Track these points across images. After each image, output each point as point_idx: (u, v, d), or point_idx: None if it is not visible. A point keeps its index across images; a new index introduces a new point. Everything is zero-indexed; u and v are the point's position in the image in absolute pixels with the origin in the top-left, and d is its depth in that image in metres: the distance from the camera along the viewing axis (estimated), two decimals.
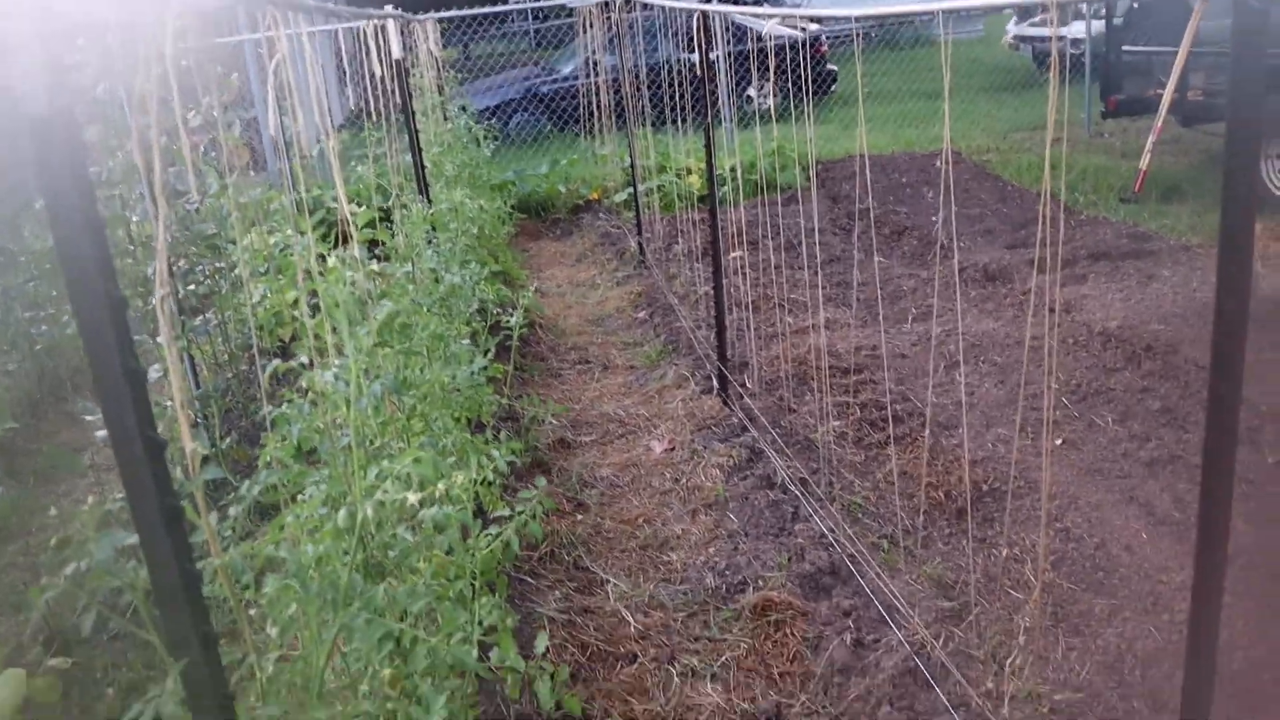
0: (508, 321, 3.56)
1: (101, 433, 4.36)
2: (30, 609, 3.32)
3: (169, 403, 4.99)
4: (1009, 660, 3.13)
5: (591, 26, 8.87)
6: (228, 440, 4.90)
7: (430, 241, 4.03)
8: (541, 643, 2.08)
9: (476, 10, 11.09)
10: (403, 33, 5.11)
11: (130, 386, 1.11)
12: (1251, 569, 3.57)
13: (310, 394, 2.06)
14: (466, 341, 3.38)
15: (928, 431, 4.47)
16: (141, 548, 1.17)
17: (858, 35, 3.38)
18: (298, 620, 1.50)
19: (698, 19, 4.58)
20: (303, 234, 2.73)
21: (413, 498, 1.47)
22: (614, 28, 7.91)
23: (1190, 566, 3.69)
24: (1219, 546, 1.69)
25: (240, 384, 5.54)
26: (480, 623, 1.86)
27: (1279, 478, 4.12)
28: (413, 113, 4.76)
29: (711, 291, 6.66)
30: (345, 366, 1.70)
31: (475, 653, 1.67)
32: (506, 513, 2.06)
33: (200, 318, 5.31)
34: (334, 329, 2.38)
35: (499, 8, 14.61)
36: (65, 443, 5.76)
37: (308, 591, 1.43)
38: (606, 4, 7.67)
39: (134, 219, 4.81)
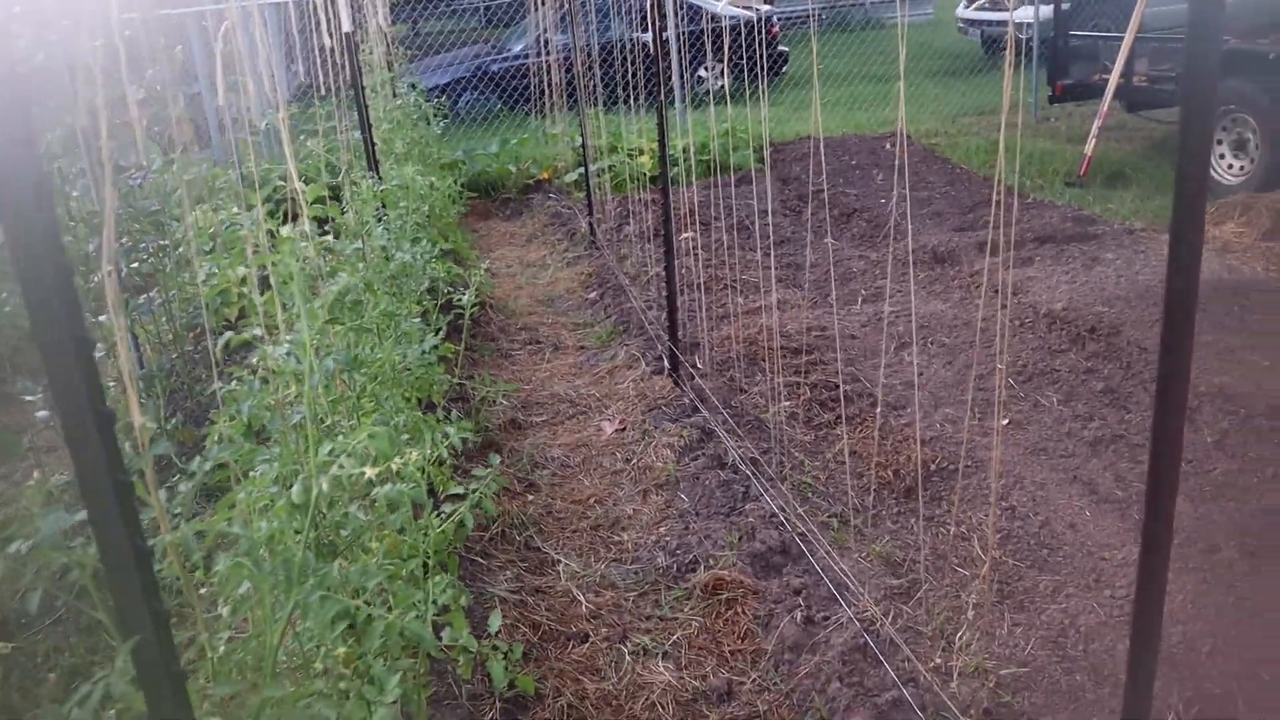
0: (459, 300, 3.53)
1: (43, 413, 4.27)
2: None
3: (113, 383, 4.90)
4: (958, 636, 3.17)
5: (544, 4, 8.80)
6: (173, 420, 4.82)
7: (380, 219, 3.98)
8: (495, 622, 2.07)
9: None
10: (353, 6, 5.03)
11: (78, 357, 1.08)
12: (1189, 545, 3.66)
13: (260, 371, 2.03)
14: (418, 320, 3.34)
15: (879, 411, 4.51)
16: (91, 524, 1.15)
17: (814, 16, 3.38)
18: (249, 599, 1.48)
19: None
20: (251, 208, 2.69)
21: (370, 472, 1.46)
22: (566, 5, 7.85)
23: (1131, 544, 3.78)
24: (1165, 524, 1.72)
25: (185, 364, 5.45)
26: (434, 602, 1.85)
27: (1217, 456, 4.21)
28: (363, 88, 4.69)
29: (663, 272, 6.67)
30: (298, 342, 1.67)
31: (430, 631, 1.65)
32: (460, 491, 2.05)
33: (144, 296, 5.21)
34: (284, 306, 2.34)
35: None
36: (4, 424, 5.62)
37: (261, 569, 1.40)
38: None
39: (74, 194, 4.70)
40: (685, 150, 9.47)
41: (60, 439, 4.51)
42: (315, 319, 1.63)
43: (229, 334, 1.85)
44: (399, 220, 4.05)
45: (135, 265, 5.20)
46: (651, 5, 4.58)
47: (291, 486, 1.49)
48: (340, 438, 1.57)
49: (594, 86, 7.79)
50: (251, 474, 1.70)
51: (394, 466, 1.49)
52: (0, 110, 1.00)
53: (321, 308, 1.62)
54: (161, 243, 5.36)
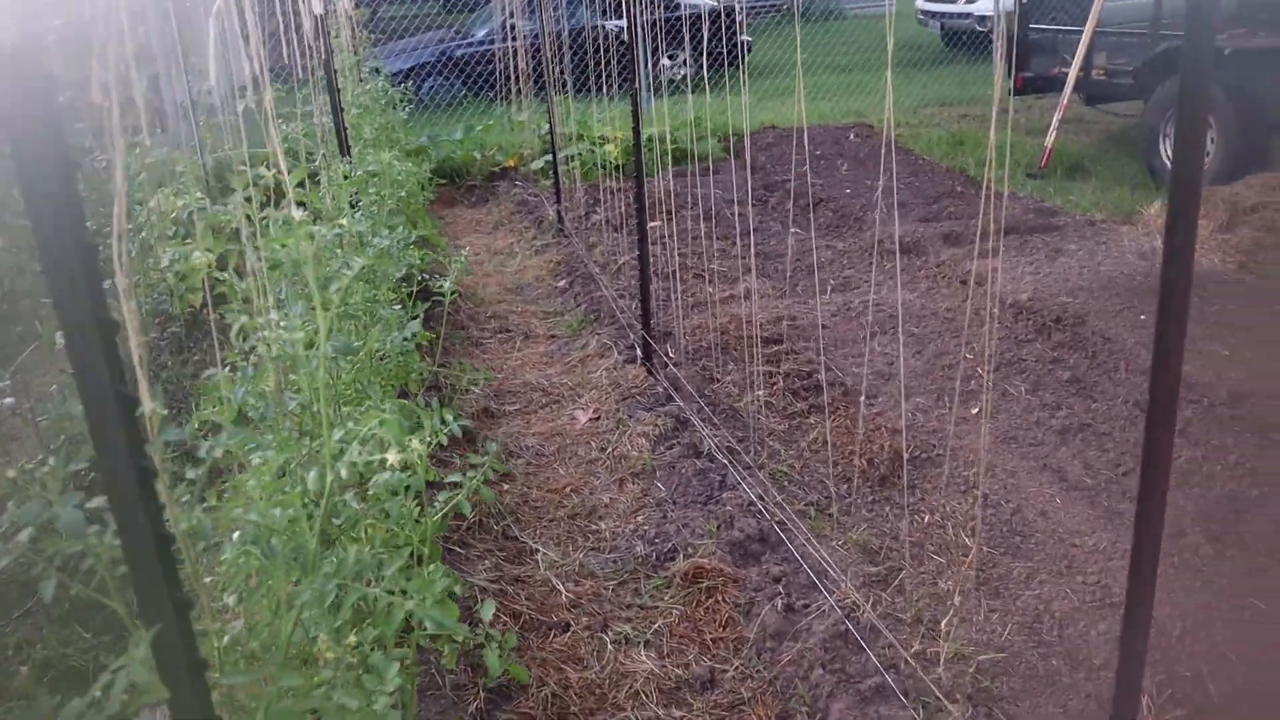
0: (438, 287, 3.50)
1: (9, 400, 4.19)
2: None
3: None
4: (945, 622, 3.21)
5: None
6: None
7: (355, 204, 3.94)
8: (488, 611, 2.07)
9: None
10: None
11: (102, 337, 1.06)
12: None
13: (253, 357, 2.00)
14: (398, 307, 3.32)
15: (863, 400, 4.55)
16: (112, 511, 1.13)
17: (798, 5, 3.39)
18: (259, 587, 1.46)
19: None
20: (233, 190, 2.65)
21: (393, 458, 1.45)
22: None
23: (1101, 530, 3.84)
24: (1157, 516, 1.76)
25: (150, 351, 5.37)
26: (430, 590, 1.84)
27: (1180, 444, 4.29)
28: (335, 72, 4.63)
29: (634, 260, 6.66)
30: (309, 326, 1.66)
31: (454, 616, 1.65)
32: (457, 479, 2.04)
33: (108, 282, 5.11)
34: (266, 290, 2.31)
35: None
36: None
37: (273, 557, 1.39)
38: None
39: None
40: (651, 139, 9.46)
41: (25, 426, 4.43)
42: (330, 304, 1.61)
43: (243, 319, 1.82)
44: (374, 206, 4.01)
45: (100, 249, 5.12)
46: None
47: (294, 474, 1.47)
48: (350, 424, 1.56)
49: (563, 74, 7.75)
50: (252, 461, 1.68)
51: (406, 454, 1.48)
52: (23, 85, 0.98)
53: (337, 292, 1.60)
54: (109, 228, 5.27)
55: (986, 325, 5.33)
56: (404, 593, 1.58)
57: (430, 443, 1.78)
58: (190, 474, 1.54)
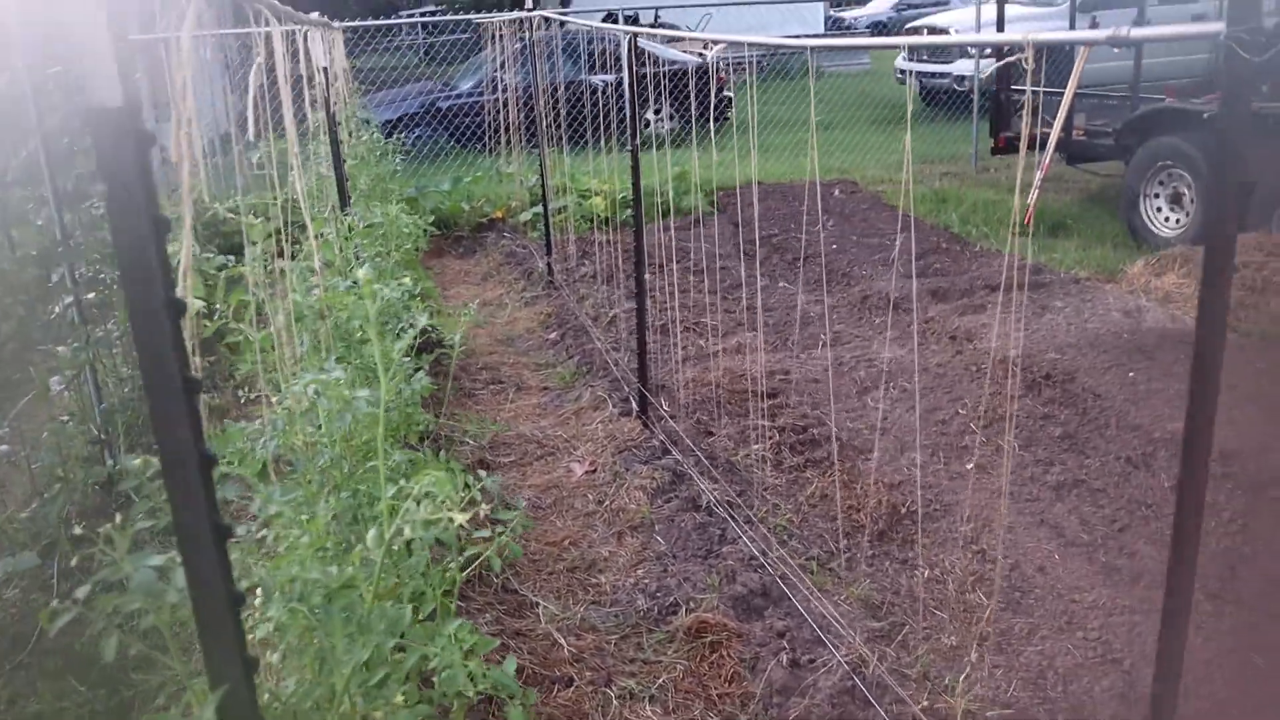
0: (450, 339, 3.51)
1: (4, 447, 4.14)
2: None
3: (65, 419, 4.77)
4: (962, 678, 3.21)
5: (501, 40, 8.84)
6: (135, 458, 4.70)
7: (358, 256, 3.96)
8: (511, 664, 2.05)
9: (369, 23, 10.98)
10: (324, 41, 5.02)
11: (187, 397, 1.07)
12: (1156, 587, 3.76)
13: (282, 409, 2.00)
14: (408, 359, 3.32)
15: (874, 457, 4.57)
16: (186, 569, 1.12)
17: (813, 56, 3.46)
18: (308, 646, 1.45)
19: (629, 41, 4.62)
20: (254, 244, 2.66)
21: (460, 518, 1.44)
22: (528, 45, 7.90)
23: (1100, 586, 3.86)
24: (1187, 586, 1.78)
25: (140, 400, 5.32)
26: (460, 645, 1.83)
27: (1174, 503, 4.32)
28: (336, 123, 4.67)
29: (625, 313, 6.70)
30: (336, 381, 1.66)
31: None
32: (486, 533, 2.03)
33: (101, 328, 5.06)
34: (283, 342, 2.31)
35: (390, 20, 14.44)
36: None
37: (329, 614, 1.38)
38: (521, 21, 7.66)
39: (38, 223, 4.59)
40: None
41: (11, 474, 4.35)
42: (391, 360, 1.62)
43: (257, 369, 1.82)
44: (379, 258, 4.03)
45: (91, 295, 5.06)
46: (629, 49, 4.64)
47: (369, 530, 1.47)
48: (402, 481, 1.56)
49: (559, 126, 7.84)
50: (280, 514, 1.67)
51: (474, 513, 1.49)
52: (126, 137, 1.00)
53: (401, 349, 1.61)
54: (113, 274, 5.24)
55: (982, 381, 5.38)
56: (460, 652, 1.57)
57: (465, 497, 1.78)
58: (241, 530, 1.53)
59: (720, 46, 3.71)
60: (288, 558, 1.44)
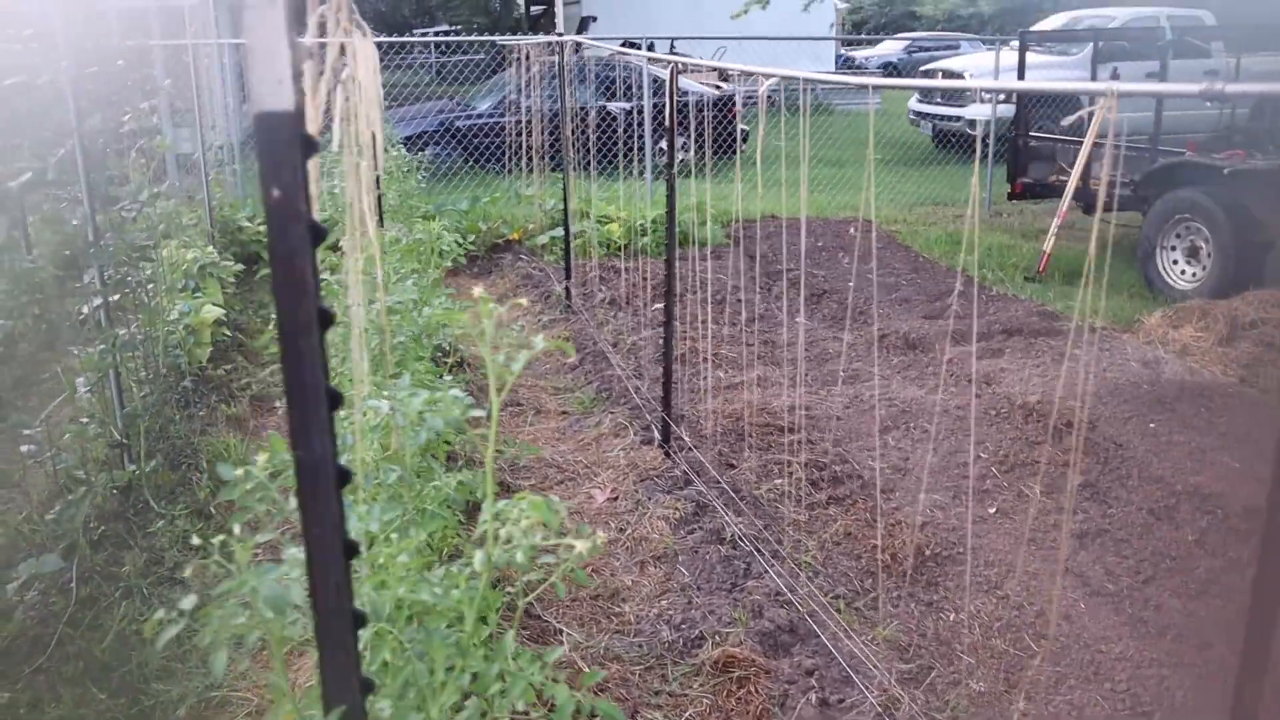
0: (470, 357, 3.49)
1: (28, 447, 4.11)
2: None
3: (85, 420, 4.73)
4: None
5: (528, 62, 8.88)
6: (153, 463, 4.68)
7: (397, 271, 3.95)
8: (563, 693, 2.02)
9: (394, 39, 11.04)
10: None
11: (328, 411, 1.05)
12: (1183, 641, 3.74)
13: (348, 422, 1.98)
14: (448, 378, 3.31)
15: (923, 499, 4.55)
16: (312, 584, 1.10)
17: (873, 93, 3.46)
18: (403, 669, 1.42)
19: (671, 69, 4.64)
20: (367, 258, 2.64)
21: (581, 546, 1.42)
22: (557, 69, 7.93)
23: (1127, 638, 3.84)
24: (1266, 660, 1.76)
25: (160, 404, 5.30)
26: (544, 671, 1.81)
27: (1199, 554, 4.32)
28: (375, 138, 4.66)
29: (643, 340, 6.69)
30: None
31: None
32: (551, 559, 2.01)
33: (124, 331, 5.03)
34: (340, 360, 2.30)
35: (414, 38, 14.54)
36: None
37: (432, 638, 1.36)
38: (551, 45, 7.70)
39: (74, 222, 4.57)
40: (655, 221, 9.58)
41: (30, 474, 4.31)
42: (504, 379, 1.61)
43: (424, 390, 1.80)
44: (415, 274, 4.02)
45: (116, 298, 5.03)
46: (671, 77, 4.65)
47: (475, 553, 1.45)
48: (501, 505, 1.54)
49: (586, 151, 7.87)
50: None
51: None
52: (275, 76, 0.98)
53: (518, 370, 1.60)
54: (138, 278, 5.22)
55: (1001, 424, 5.38)
56: (554, 679, 1.55)
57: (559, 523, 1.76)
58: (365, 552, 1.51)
59: (772, 81, 3.71)
60: (384, 577, 1.42)
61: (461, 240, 4.86)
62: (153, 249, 5.40)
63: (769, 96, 3.96)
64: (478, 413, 1.74)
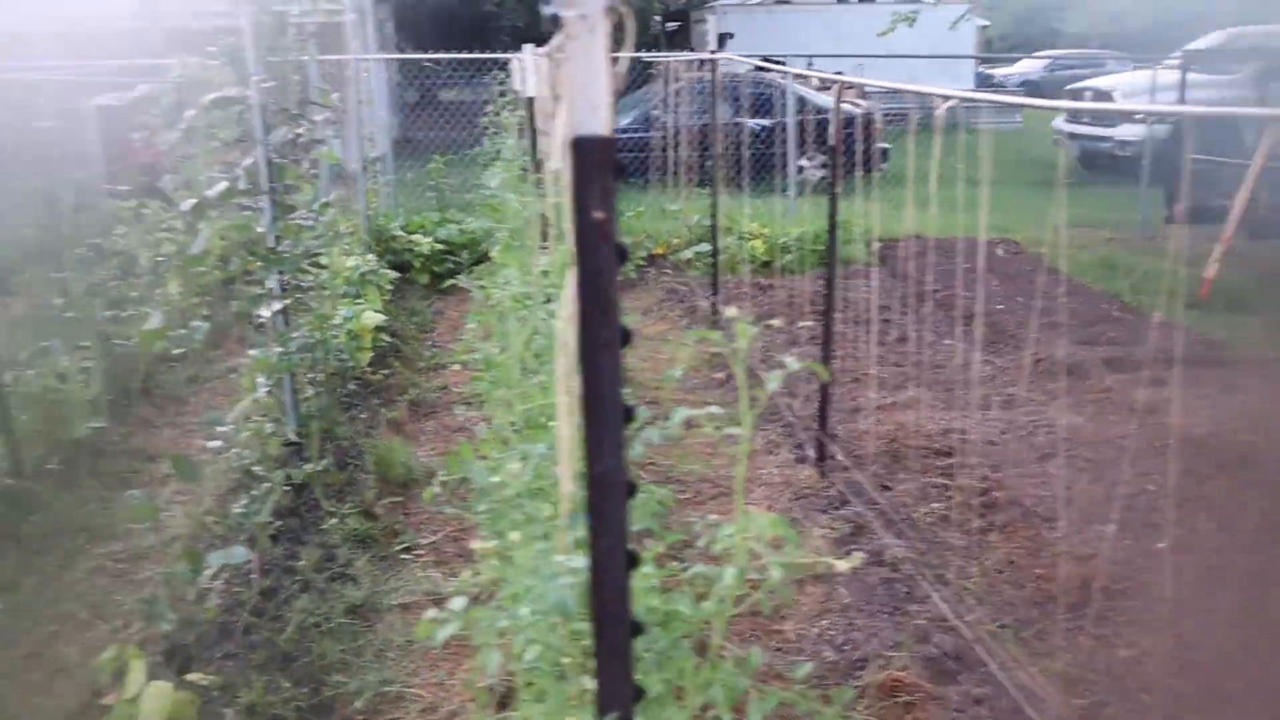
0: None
1: (216, 443, 4.32)
2: (159, 618, 3.26)
3: (261, 418, 4.93)
4: None
5: (677, 80, 8.96)
6: (324, 463, 4.86)
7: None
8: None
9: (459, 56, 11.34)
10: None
11: (623, 426, 1.09)
12: None
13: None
14: None
15: (1090, 530, 4.43)
16: (594, 591, 1.14)
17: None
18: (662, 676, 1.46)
19: (837, 88, 4.63)
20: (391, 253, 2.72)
21: (843, 566, 1.44)
22: (710, 86, 7.97)
23: None
24: None
25: (328, 406, 5.50)
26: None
27: None
28: (538, 155, 4.77)
29: (793, 358, 6.65)
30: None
31: None
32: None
33: (297, 334, 5.23)
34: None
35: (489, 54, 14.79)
36: (139, 448, 5.71)
37: (679, 649, 1.40)
38: (702, 63, 7.76)
39: (259, 229, 4.80)
40: (799, 238, 9.55)
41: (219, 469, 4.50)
42: (760, 401, 1.64)
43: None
44: None
45: (289, 302, 5.22)
46: (837, 95, 4.64)
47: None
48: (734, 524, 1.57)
49: (739, 169, 7.90)
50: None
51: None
52: (593, 102, 1.01)
53: (772, 389, 1.63)
54: (307, 283, 5.42)
55: (1166, 456, 5.18)
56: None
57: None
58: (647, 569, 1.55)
59: (953, 101, 3.67)
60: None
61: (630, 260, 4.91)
62: (324, 256, 5.62)
63: (906, 115, 3.92)
64: (735, 431, 1.75)
